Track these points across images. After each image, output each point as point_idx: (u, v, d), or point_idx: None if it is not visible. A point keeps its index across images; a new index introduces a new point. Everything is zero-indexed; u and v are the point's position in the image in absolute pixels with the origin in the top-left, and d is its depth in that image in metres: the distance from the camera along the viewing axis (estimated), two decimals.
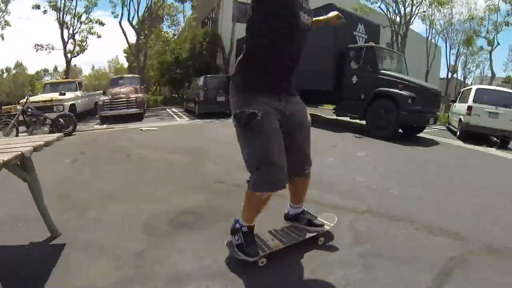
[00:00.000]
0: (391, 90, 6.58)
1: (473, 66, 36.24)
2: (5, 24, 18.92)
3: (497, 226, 2.84)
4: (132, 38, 22.46)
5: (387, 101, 6.55)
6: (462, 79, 34.44)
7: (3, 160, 1.72)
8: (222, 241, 2.14)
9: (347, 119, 8.75)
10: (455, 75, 33.24)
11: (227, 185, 3.43)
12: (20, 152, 1.93)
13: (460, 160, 5.95)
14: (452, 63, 30.69)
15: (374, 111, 6.77)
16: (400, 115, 6.47)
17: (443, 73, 33.63)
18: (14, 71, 42.87)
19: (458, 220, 2.90)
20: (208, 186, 3.37)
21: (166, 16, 26.07)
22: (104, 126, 9.07)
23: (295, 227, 2.25)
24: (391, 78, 6.67)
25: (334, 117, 8.93)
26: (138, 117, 10.14)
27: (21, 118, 6.95)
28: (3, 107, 9.30)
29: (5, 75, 42.57)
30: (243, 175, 3.14)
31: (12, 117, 7.01)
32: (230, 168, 4.09)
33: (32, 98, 8.51)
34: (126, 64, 36.06)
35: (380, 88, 6.60)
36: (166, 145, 5.53)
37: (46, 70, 44.74)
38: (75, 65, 45.46)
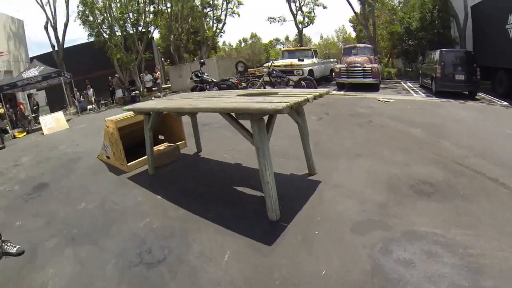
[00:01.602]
0: None
1: None
2: (238, 4, 23.01)
3: None
4: (356, 7, 22.47)
5: None
6: None
7: (307, 98, 2.41)
8: (452, 217, 2.37)
9: None
10: None
11: (464, 168, 3.33)
12: (306, 97, 2.47)
13: None
14: None
15: None
16: None
17: None
18: (250, 41, 51.85)
19: None
20: (445, 164, 3.40)
21: None
22: (342, 92, 9.68)
23: None
24: None
25: None
26: (373, 88, 10.07)
27: (266, 78, 8.25)
28: (248, 70, 11.52)
29: (242, 44, 52.55)
30: (481, 161, 3.45)
31: (257, 78, 8.47)
32: (469, 154, 3.84)
33: (275, 63, 9.88)
34: (353, 34, 36.50)
35: None
36: (403, 118, 5.61)
37: (277, 39, 51.52)
38: (304, 35, 50.10)
